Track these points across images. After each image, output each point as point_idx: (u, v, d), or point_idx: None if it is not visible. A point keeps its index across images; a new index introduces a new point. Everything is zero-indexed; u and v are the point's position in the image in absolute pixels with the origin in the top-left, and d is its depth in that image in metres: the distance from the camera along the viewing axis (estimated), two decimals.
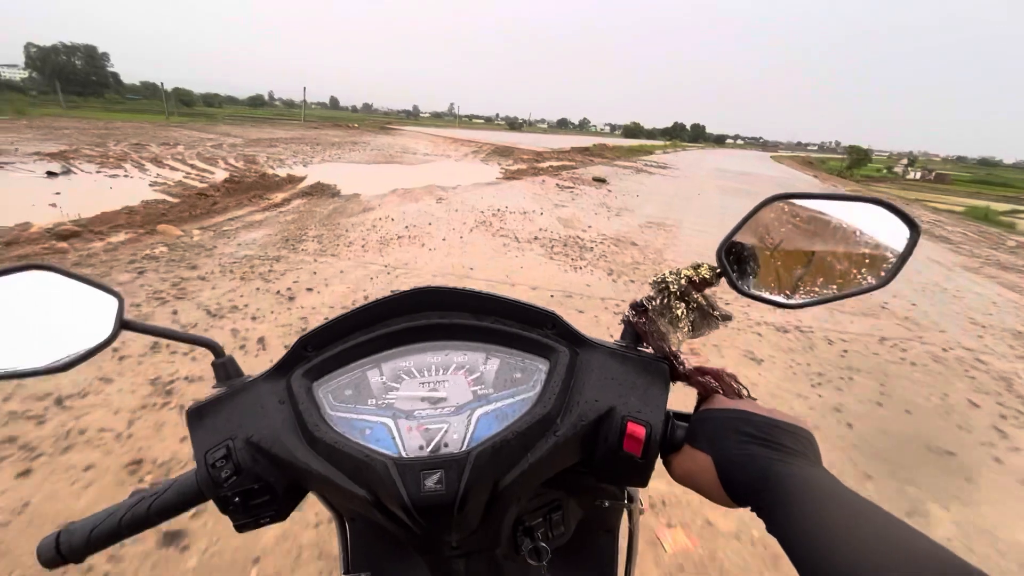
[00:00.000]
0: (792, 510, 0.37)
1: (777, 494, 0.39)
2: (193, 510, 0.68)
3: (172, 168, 11.08)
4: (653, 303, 0.56)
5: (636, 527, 0.73)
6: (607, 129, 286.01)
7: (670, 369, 0.54)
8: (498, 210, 8.84)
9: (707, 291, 0.56)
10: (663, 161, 28.72)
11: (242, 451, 0.50)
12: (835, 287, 0.52)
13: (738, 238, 0.53)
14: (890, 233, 0.50)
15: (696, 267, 0.55)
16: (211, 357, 0.57)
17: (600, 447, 0.50)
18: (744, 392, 0.54)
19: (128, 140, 15.80)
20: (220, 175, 10.30)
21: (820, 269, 0.52)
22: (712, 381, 0.54)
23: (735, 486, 0.43)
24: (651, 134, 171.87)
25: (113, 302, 0.51)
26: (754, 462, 0.42)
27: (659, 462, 0.52)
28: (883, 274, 0.50)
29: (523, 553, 0.55)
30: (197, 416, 0.53)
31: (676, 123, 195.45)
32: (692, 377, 0.54)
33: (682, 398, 0.55)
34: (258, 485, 0.49)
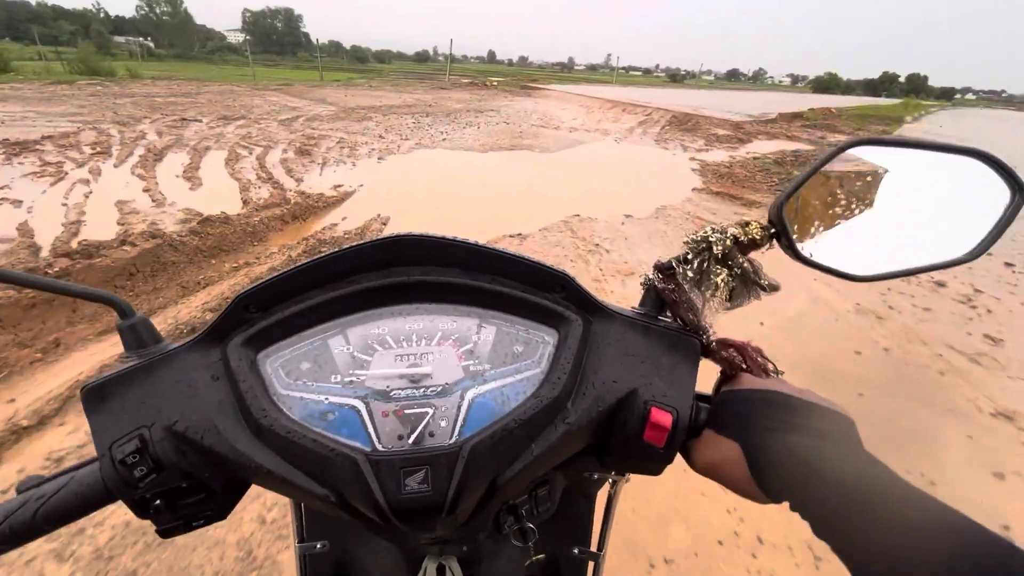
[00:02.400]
0: (846, 510, 0.32)
1: (823, 490, 0.34)
2: None
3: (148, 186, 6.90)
4: (686, 266, 0.47)
5: (617, 494, 0.63)
6: (787, 81, 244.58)
7: (700, 344, 0.47)
8: None
9: (753, 254, 0.47)
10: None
11: (162, 442, 0.39)
12: (915, 257, 0.45)
13: (803, 192, 0.44)
14: (987, 195, 0.42)
15: (744, 225, 0.47)
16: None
17: (616, 435, 0.43)
18: (771, 368, 0.48)
19: (206, 107, 12.57)
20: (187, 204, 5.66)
21: (897, 235, 0.45)
22: (737, 356, 0.47)
23: (769, 479, 0.37)
24: (849, 88, 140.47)
25: None
26: (791, 451, 0.37)
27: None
28: (973, 244, 0.43)
29: (506, 532, 0.47)
30: (98, 396, 0.40)
31: (886, 73, 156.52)
32: (718, 352, 0.47)
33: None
34: (186, 483, 0.40)
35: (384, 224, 5.32)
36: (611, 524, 0.64)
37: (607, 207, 6.31)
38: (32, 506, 0.40)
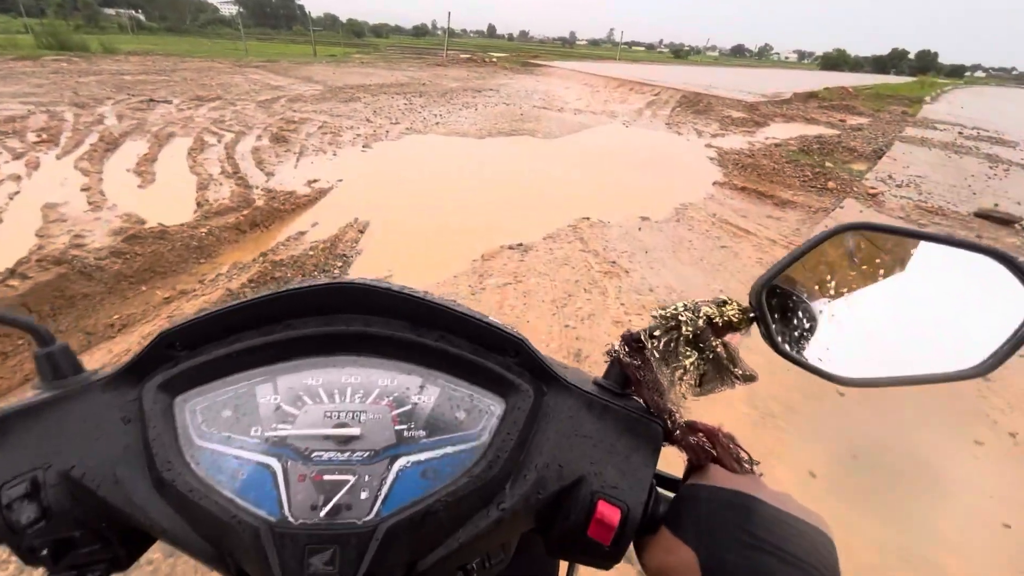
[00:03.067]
0: None
1: None
2: None
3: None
4: (654, 342, 0.43)
5: None
6: (794, 58, 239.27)
7: (663, 430, 0.43)
8: None
9: (730, 338, 0.43)
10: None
11: (56, 488, 0.36)
12: (913, 365, 0.39)
13: (788, 274, 0.41)
14: (1004, 300, 0.37)
15: (721, 304, 0.42)
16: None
17: (559, 525, 0.40)
18: (745, 460, 0.42)
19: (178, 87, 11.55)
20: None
21: (896, 336, 0.41)
22: (706, 442, 0.42)
23: None
24: (857, 64, 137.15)
25: None
26: (755, 572, 0.32)
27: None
28: (984, 356, 0.38)
29: None
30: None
31: (896, 50, 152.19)
32: (684, 439, 0.42)
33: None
34: (79, 533, 0.37)
35: (361, 232, 4.52)
36: (575, 569, 0.60)
37: (620, 206, 5.49)
38: None
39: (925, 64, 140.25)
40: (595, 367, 2.61)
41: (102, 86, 10.87)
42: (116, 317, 2.88)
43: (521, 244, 4.35)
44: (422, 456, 0.38)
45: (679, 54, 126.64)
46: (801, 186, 6.41)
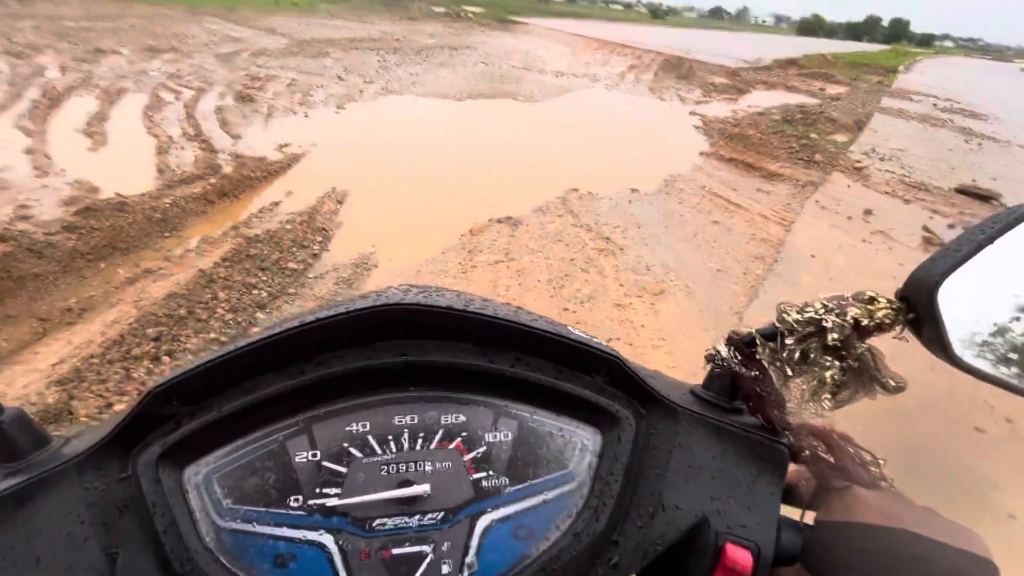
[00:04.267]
0: None
1: None
2: None
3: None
4: (782, 348, 0.35)
5: None
6: (771, 22, 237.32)
7: (789, 452, 0.35)
8: None
9: (872, 340, 0.35)
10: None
11: None
12: None
13: (969, 266, 0.33)
14: None
15: (868, 302, 0.35)
16: None
17: (677, 573, 0.33)
18: (879, 474, 0.35)
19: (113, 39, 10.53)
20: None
21: None
22: (830, 457, 0.35)
23: None
24: (832, 31, 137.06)
25: None
26: None
27: None
28: None
29: None
30: None
31: (870, 17, 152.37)
32: (814, 461, 0.35)
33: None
34: None
35: (340, 203, 4.26)
36: None
37: (608, 176, 5.33)
38: None
39: (897, 32, 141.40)
40: None
41: (40, 32, 9.87)
42: (74, 301, 2.62)
43: (511, 218, 4.17)
44: (510, 510, 0.32)
45: (657, 14, 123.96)
46: (788, 158, 6.36)
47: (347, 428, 0.33)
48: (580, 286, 3.11)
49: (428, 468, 0.32)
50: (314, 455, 0.32)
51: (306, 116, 6.69)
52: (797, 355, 0.35)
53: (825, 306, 0.36)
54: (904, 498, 0.34)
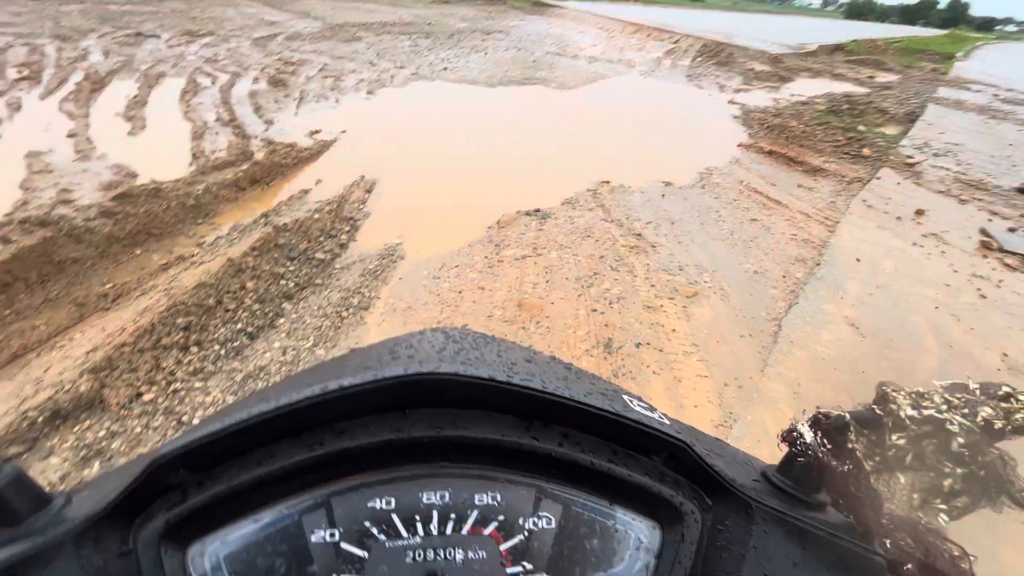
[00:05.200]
0: None
1: None
2: None
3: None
4: (887, 445, 0.29)
5: None
6: (818, 4, 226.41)
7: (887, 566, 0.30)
8: None
9: (1001, 443, 0.30)
10: None
11: None
12: None
13: None
14: None
15: (1004, 398, 0.30)
16: None
17: None
18: (970, 571, 0.30)
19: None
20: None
21: None
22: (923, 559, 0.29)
23: None
24: (884, 14, 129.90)
25: None
26: None
27: None
28: None
29: None
30: None
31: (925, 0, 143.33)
32: (906, 569, 0.29)
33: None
34: None
35: (368, 192, 4.24)
36: None
37: (640, 168, 5.17)
38: None
39: (955, 15, 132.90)
40: (628, 360, 2.44)
41: (85, 16, 10.14)
42: (109, 286, 2.67)
43: (539, 210, 4.08)
44: None
45: None
46: (833, 152, 6.03)
47: (370, 505, 0.29)
48: (609, 286, 3.02)
49: (459, 557, 0.29)
50: (332, 535, 0.29)
51: (337, 102, 6.69)
52: (909, 458, 0.30)
53: (948, 401, 0.30)
54: None
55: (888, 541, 0.30)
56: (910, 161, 5.81)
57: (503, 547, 0.29)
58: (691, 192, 4.79)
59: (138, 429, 1.83)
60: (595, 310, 2.76)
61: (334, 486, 0.30)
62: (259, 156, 4.52)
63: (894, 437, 0.31)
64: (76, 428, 1.81)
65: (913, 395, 0.31)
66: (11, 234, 2.62)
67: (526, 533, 0.30)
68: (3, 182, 3.65)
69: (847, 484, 0.31)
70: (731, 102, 8.86)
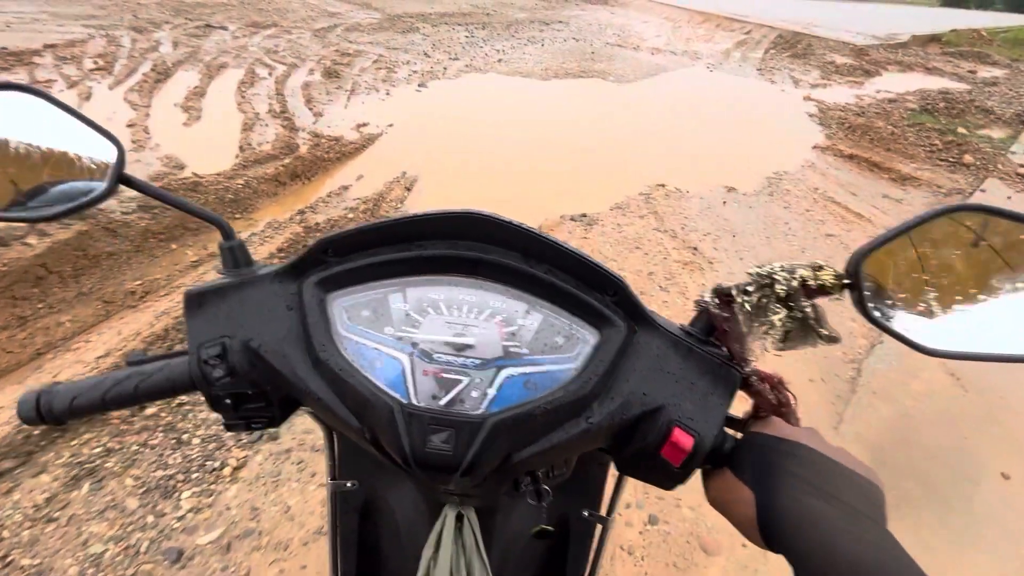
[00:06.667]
0: None
1: (830, 563, 0.33)
2: None
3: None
4: (745, 297, 0.47)
5: None
6: None
7: (741, 378, 0.48)
8: None
9: (819, 300, 0.45)
10: None
11: (238, 353, 0.47)
12: (1000, 343, 0.42)
13: (890, 247, 0.43)
14: None
15: (817, 268, 0.45)
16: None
17: (634, 445, 0.46)
18: (795, 411, 0.48)
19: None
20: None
21: (987, 315, 0.42)
22: (771, 394, 0.47)
23: (777, 535, 0.38)
24: (986, 1, 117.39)
25: (112, 150, 0.48)
26: (806, 515, 0.36)
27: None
28: None
29: (523, 491, 0.50)
30: (196, 302, 0.49)
31: None
32: (755, 388, 0.48)
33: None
34: (252, 391, 0.48)
35: (408, 190, 4.10)
36: (621, 492, 0.68)
37: (700, 170, 4.75)
38: (134, 380, 0.49)
39: None
40: None
41: (161, 9, 10.62)
42: (138, 283, 2.64)
43: (585, 215, 3.79)
44: (525, 369, 0.44)
45: None
46: (927, 158, 5.32)
47: (429, 294, 0.47)
48: (657, 307, 2.69)
49: (476, 331, 0.46)
50: (405, 306, 0.47)
51: (387, 94, 6.61)
52: (754, 300, 0.45)
53: (782, 267, 0.45)
54: (820, 436, 0.43)
55: (745, 366, 0.47)
56: (1023, 171, 5.03)
57: (503, 331, 0.46)
58: (757, 200, 4.33)
59: (135, 447, 1.73)
60: None
61: (410, 278, 0.47)
62: (303, 150, 4.47)
63: (749, 289, 0.46)
64: (74, 441, 1.73)
65: (764, 265, 0.46)
66: (48, 227, 2.64)
67: (517, 326, 0.46)
68: None
69: (725, 327, 0.47)
70: (807, 98, 8.11)
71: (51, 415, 0.47)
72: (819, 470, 0.38)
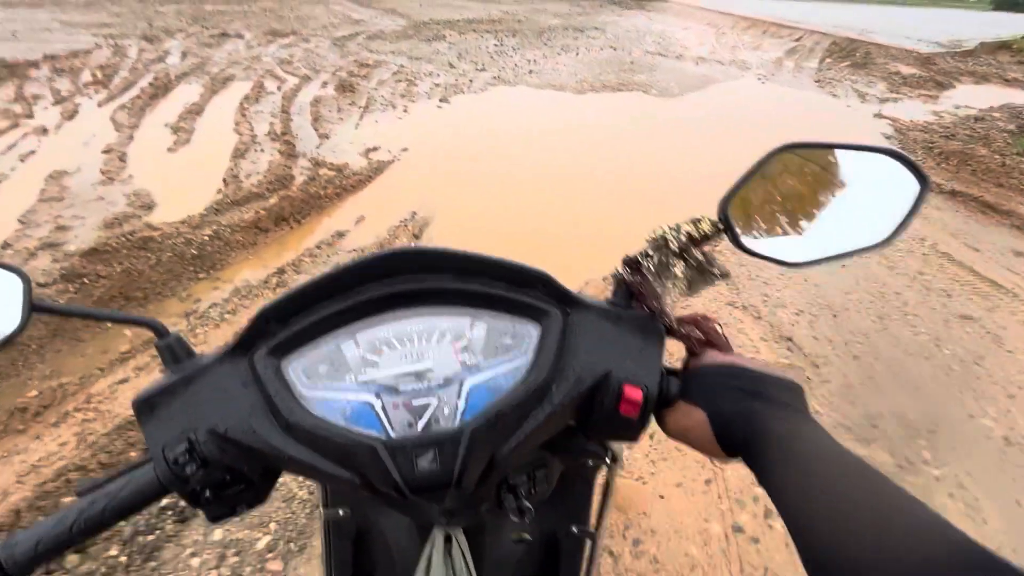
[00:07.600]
0: (781, 464, 0.39)
1: (767, 447, 0.40)
2: None
3: None
4: (649, 259, 0.52)
5: (613, 479, 0.71)
6: None
7: (665, 327, 0.53)
8: None
9: (706, 247, 0.52)
10: None
11: (206, 443, 0.45)
12: (840, 244, 0.51)
13: (743, 191, 0.51)
14: (900, 187, 0.49)
15: (696, 221, 0.52)
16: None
17: (596, 411, 0.50)
18: (727, 343, 0.54)
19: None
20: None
21: (825, 225, 0.52)
22: (698, 333, 0.53)
23: (729, 439, 0.44)
24: None
25: (16, 282, 0.47)
26: (747, 415, 0.43)
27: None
28: (890, 231, 0.49)
29: (506, 508, 0.53)
30: (147, 407, 0.47)
31: None
32: (680, 331, 0.53)
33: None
34: (229, 476, 0.47)
35: (417, 237, 3.36)
36: (608, 506, 0.71)
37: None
38: (100, 503, 0.45)
39: None
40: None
41: (179, 16, 10.27)
42: (34, 394, 1.94)
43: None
44: (485, 375, 0.47)
45: None
46: None
47: (379, 334, 0.49)
48: None
49: (431, 354, 0.48)
50: (359, 350, 0.48)
51: (405, 111, 5.92)
52: (656, 260, 0.51)
53: (670, 227, 0.51)
54: (746, 357, 0.50)
55: (666, 318, 0.51)
56: None
57: (455, 347, 0.48)
58: (854, 259, 3.42)
59: None
60: (726, 506, 1.64)
61: (357, 324, 0.48)
62: (295, 184, 3.78)
63: (650, 252, 0.51)
64: None
65: (655, 230, 0.51)
66: None
67: (467, 339, 0.49)
68: (4, 211, 3.15)
69: (640, 290, 0.51)
70: (879, 115, 7.09)
71: (16, 568, 0.43)
72: (751, 378, 0.45)
